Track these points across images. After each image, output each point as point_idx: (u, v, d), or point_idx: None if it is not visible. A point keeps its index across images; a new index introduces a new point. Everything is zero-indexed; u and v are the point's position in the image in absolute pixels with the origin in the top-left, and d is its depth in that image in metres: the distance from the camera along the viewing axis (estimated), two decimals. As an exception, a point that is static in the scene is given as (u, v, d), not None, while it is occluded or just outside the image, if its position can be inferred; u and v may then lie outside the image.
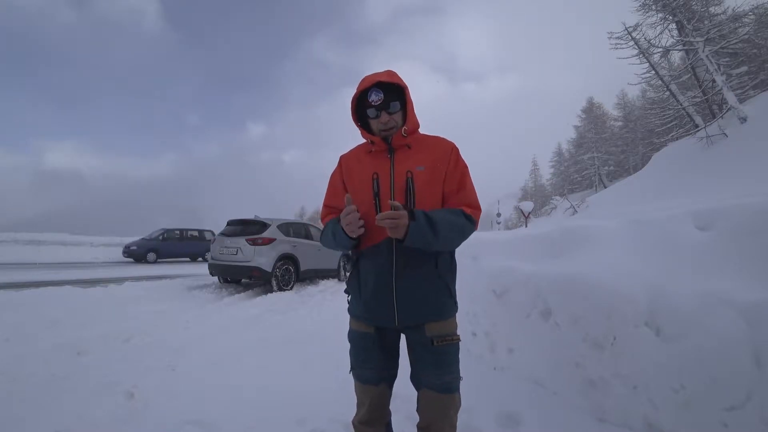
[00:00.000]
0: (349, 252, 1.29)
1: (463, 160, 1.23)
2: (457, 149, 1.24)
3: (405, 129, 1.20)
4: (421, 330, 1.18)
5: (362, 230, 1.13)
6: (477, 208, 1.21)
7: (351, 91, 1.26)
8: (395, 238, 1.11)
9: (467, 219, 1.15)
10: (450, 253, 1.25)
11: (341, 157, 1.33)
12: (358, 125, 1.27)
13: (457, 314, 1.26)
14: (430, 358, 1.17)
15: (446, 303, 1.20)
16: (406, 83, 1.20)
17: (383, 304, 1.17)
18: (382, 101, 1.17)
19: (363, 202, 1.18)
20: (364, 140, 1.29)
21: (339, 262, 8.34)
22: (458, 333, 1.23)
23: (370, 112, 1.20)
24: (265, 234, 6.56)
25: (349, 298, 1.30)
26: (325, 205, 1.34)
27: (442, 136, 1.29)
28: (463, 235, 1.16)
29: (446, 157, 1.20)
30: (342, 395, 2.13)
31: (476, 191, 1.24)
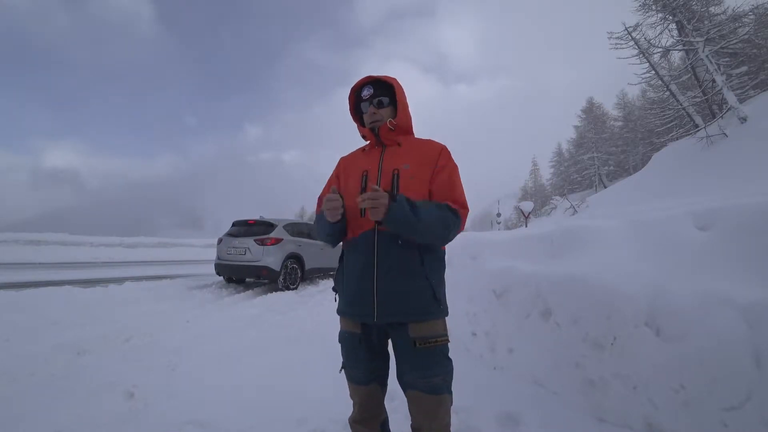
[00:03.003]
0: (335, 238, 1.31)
1: (452, 161, 1.26)
2: (447, 150, 1.27)
3: (391, 121, 1.26)
4: (404, 330, 1.16)
5: (340, 214, 1.16)
6: (464, 206, 1.20)
7: (346, 92, 1.38)
8: (377, 225, 1.15)
9: (451, 212, 1.15)
10: (439, 256, 1.24)
11: (341, 159, 1.41)
12: (355, 120, 1.36)
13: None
14: (414, 359, 1.16)
15: (429, 304, 1.17)
16: (400, 84, 1.29)
17: (364, 298, 1.17)
18: (371, 95, 1.27)
19: (352, 197, 1.21)
20: (360, 140, 1.38)
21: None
22: (446, 336, 1.20)
23: (363, 106, 1.30)
24: (273, 234, 6.70)
25: (337, 297, 1.33)
26: (320, 198, 1.38)
27: (443, 141, 1.33)
28: (447, 227, 1.13)
29: (434, 157, 1.23)
30: (342, 395, 2.12)
31: (465, 193, 1.25)
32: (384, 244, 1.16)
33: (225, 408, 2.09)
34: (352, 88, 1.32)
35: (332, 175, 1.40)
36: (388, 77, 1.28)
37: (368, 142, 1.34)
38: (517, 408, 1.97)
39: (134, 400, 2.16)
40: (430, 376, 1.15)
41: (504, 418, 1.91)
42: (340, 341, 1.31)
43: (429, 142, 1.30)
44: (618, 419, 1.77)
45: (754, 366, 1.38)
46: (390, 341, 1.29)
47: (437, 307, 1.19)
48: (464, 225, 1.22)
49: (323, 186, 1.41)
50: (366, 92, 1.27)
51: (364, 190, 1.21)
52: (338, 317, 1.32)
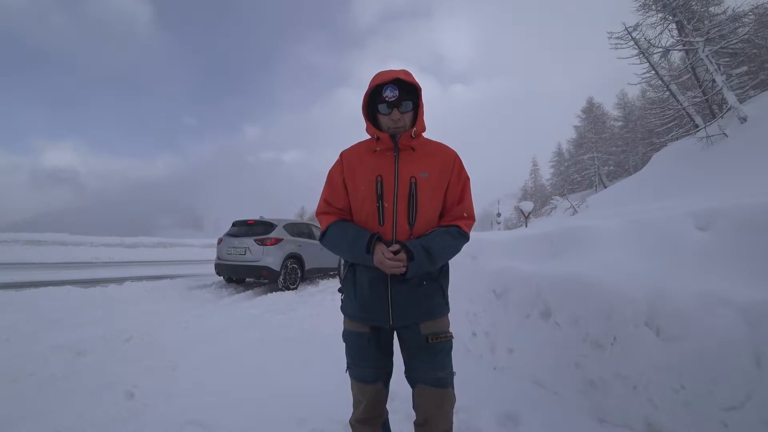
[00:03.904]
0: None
1: (465, 171, 1.27)
2: (460, 159, 1.27)
3: (415, 131, 1.21)
4: (415, 328, 1.21)
5: (405, 269, 1.13)
6: (472, 218, 1.27)
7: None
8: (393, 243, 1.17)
9: (462, 236, 1.23)
10: None
11: (342, 154, 1.32)
12: (367, 120, 1.26)
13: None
14: (425, 355, 1.21)
15: (439, 303, 1.24)
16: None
17: (379, 304, 1.20)
18: (396, 98, 1.17)
19: (365, 204, 1.21)
20: (365, 137, 1.29)
21: (339, 260, 8.59)
22: (451, 331, 1.27)
23: (382, 107, 1.20)
24: (273, 234, 6.69)
25: (343, 296, 1.31)
26: (324, 200, 1.32)
27: (443, 142, 1.32)
28: (457, 251, 1.24)
29: (450, 167, 1.24)
30: (342, 395, 2.12)
31: (473, 201, 1.31)
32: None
33: (225, 408, 2.09)
34: (371, 85, 1.20)
35: (334, 170, 1.31)
36: (413, 78, 1.19)
37: (372, 139, 1.25)
38: (517, 408, 1.97)
39: (134, 400, 2.16)
40: (439, 369, 1.20)
41: (504, 418, 1.91)
42: (345, 340, 1.30)
43: (442, 148, 1.28)
44: (618, 419, 1.77)
45: (754, 366, 1.38)
46: (396, 340, 1.31)
47: (445, 304, 1.27)
48: (469, 235, 1.28)
49: (323, 182, 1.33)
50: (390, 93, 1.16)
51: (380, 196, 1.18)
52: (337, 318, 1.32)
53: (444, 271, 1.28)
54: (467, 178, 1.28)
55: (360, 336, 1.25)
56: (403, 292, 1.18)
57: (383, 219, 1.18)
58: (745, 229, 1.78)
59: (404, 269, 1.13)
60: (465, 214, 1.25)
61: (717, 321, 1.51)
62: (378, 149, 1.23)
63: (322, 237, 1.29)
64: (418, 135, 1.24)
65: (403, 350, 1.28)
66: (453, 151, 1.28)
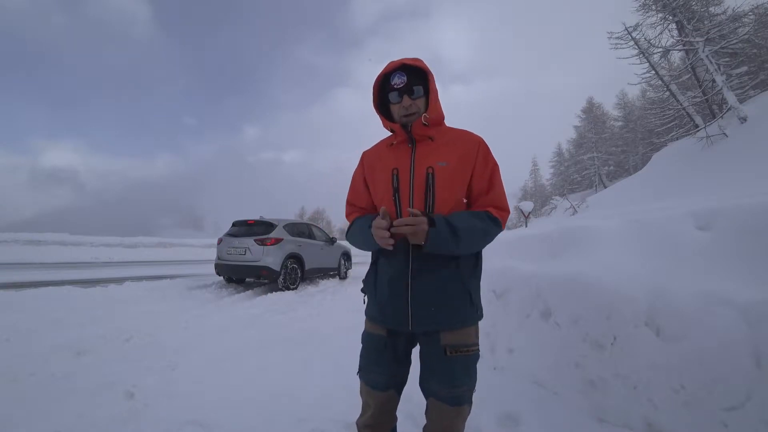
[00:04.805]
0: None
1: (492, 157, 1.16)
2: (485, 144, 1.16)
3: (425, 116, 1.12)
4: (435, 338, 1.12)
5: (392, 242, 1.07)
6: (505, 209, 1.15)
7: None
8: (415, 244, 1.08)
9: (492, 222, 1.10)
10: (475, 254, 1.17)
11: (363, 154, 1.30)
12: (378, 113, 1.21)
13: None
14: (442, 368, 1.11)
15: (465, 310, 1.13)
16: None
17: (397, 307, 1.12)
18: (405, 84, 1.12)
19: (383, 199, 1.16)
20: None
21: (339, 260, 8.61)
22: (477, 345, 1.15)
23: (392, 96, 1.15)
24: (273, 234, 6.70)
25: (366, 298, 1.27)
26: (348, 203, 1.33)
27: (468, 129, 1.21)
28: (488, 238, 1.11)
29: (473, 153, 1.13)
30: (342, 395, 2.13)
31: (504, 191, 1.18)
32: (418, 250, 1.10)
33: (225, 408, 2.09)
34: (379, 75, 1.16)
35: (356, 171, 1.30)
36: (423, 63, 1.12)
37: (392, 134, 1.20)
38: (517, 408, 1.97)
39: (134, 400, 2.16)
40: (456, 386, 1.10)
41: (504, 418, 1.91)
42: (362, 342, 1.25)
43: (465, 135, 1.17)
44: (618, 419, 1.77)
45: (754, 366, 1.39)
46: (414, 348, 1.25)
47: (473, 312, 1.16)
48: (504, 226, 1.14)
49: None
50: (398, 80, 1.11)
51: (396, 189, 1.12)
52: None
53: (476, 273, 1.17)
54: (495, 165, 1.15)
55: (377, 339, 1.18)
56: (424, 294, 1.09)
57: (400, 212, 1.11)
58: (745, 229, 1.78)
59: (423, 233, 1.01)
60: (495, 204, 1.13)
61: (717, 321, 1.51)
62: (394, 143, 1.18)
63: (347, 234, 1.28)
64: (435, 123, 1.16)
65: (420, 357, 1.19)
66: (477, 137, 1.17)
